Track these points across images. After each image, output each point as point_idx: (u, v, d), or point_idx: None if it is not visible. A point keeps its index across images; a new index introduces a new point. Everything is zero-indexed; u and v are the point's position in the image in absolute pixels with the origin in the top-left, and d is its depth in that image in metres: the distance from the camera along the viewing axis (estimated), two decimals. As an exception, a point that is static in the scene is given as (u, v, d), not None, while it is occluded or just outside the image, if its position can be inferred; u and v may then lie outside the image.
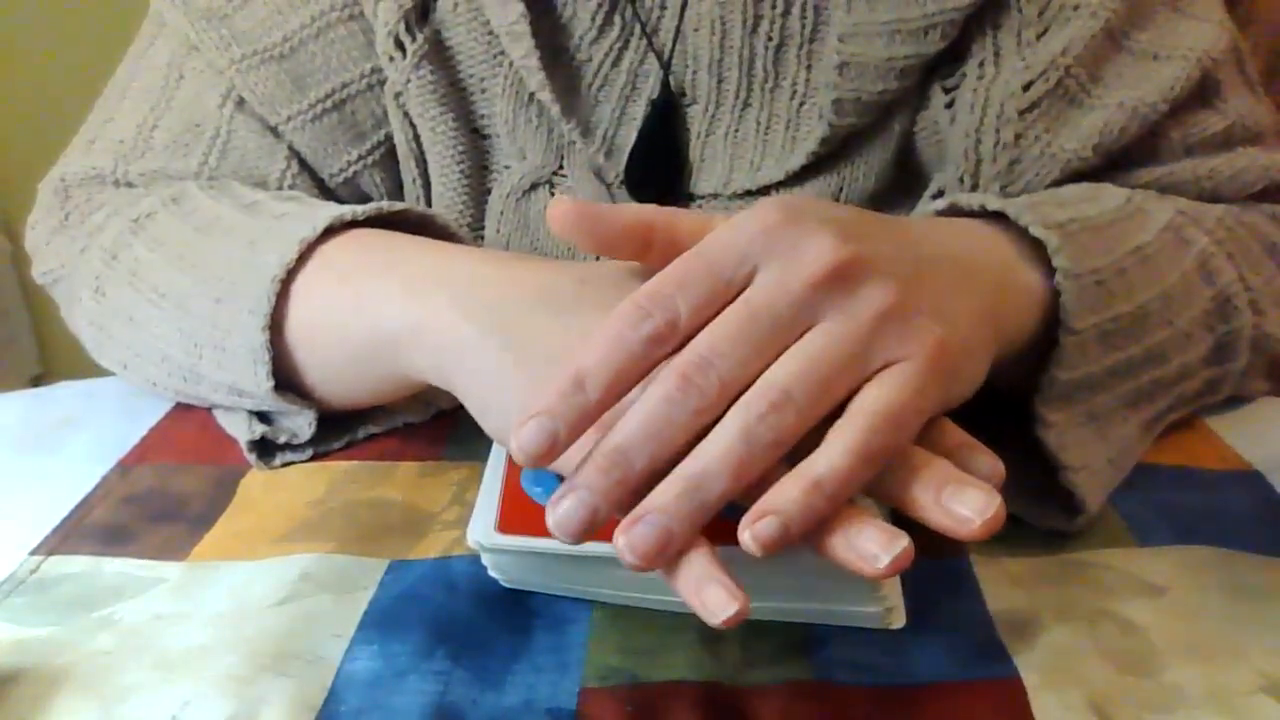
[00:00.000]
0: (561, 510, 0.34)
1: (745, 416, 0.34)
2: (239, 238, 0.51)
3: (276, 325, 0.48)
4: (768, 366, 0.35)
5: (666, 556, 0.34)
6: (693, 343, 0.35)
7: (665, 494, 0.34)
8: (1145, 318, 0.46)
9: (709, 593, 0.33)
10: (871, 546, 0.33)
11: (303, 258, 0.48)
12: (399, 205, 0.50)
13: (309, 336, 0.48)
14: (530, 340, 0.39)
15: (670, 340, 0.35)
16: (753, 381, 0.35)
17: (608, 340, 0.35)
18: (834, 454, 0.34)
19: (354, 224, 0.49)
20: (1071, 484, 0.43)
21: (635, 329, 0.35)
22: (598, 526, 0.35)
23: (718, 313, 0.36)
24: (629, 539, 0.34)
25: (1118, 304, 0.45)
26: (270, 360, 0.48)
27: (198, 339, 0.50)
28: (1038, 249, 0.44)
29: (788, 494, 0.33)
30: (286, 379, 0.50)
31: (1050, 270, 0.43)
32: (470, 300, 0.41)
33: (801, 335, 0.35)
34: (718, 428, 0.34)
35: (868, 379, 0.35)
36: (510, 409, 0.39)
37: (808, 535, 0.34)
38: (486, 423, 0.41)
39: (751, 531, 0.33)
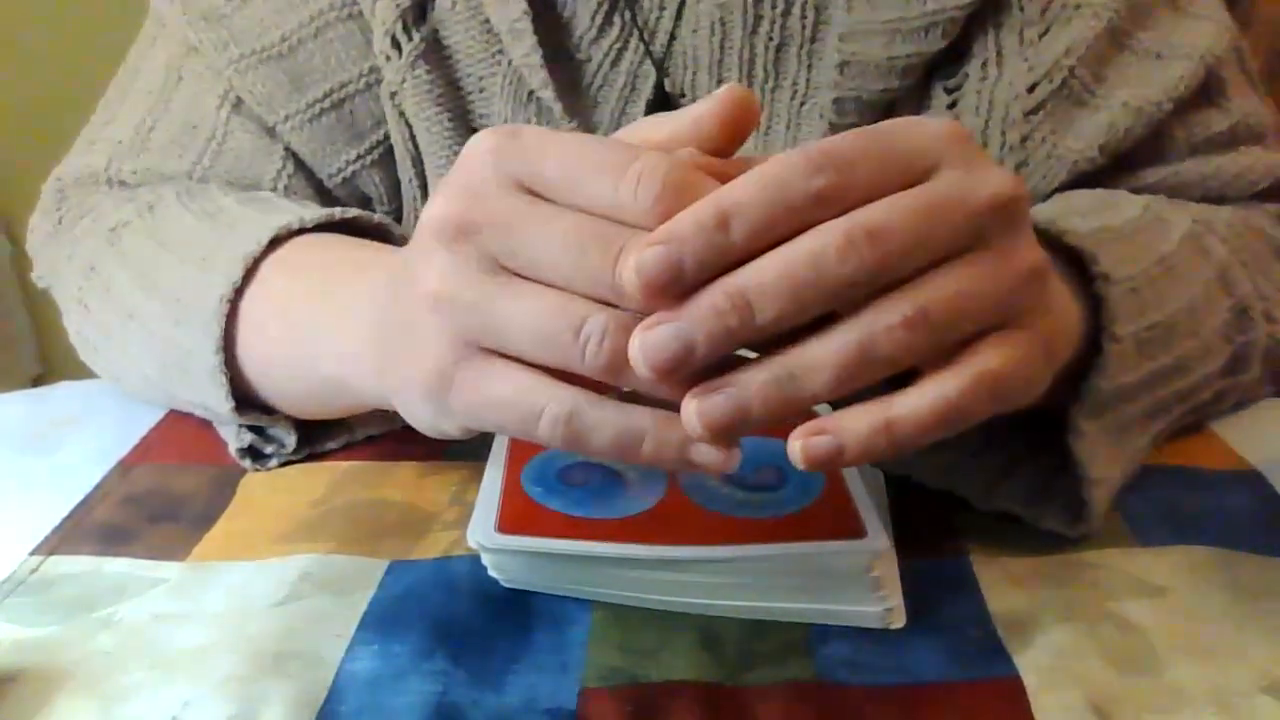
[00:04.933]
0: (652, 338, 0.30)
1: (872, 326, 0.31)
2: (194, 254, 0.51)
3: (230, 345, 0.48)
4: (921, 272, 0.31)
5: (732, 437, 0.32)
6: (867, 208, 0.31)
7: (754, 373, 0.31)
8: (1174, 328, 0.45)
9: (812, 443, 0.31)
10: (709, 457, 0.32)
11: (251, 273, 0.48)
12: (352, 211, 0.50)
13: (262, 366, 0.49)
14: (415, 340, 0.36)
15: (835, 205, 0.31)
16: (900, 280, 0.31)
17: (769, 181, 0.30)
18: (920, 401, 0.31)
19: (304, 230, 0.49)
20: (1090, 496, 0.42)
21: (805, 180, 0.30)
22: (687, 371, 0.31)
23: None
24: (701, 405, 0.31)
25: (1150, 313, 0.44)
26: (228, 382, 0.48)
27: (165, 361, 0.51)
28: (1067, 262, 0.43)
29: (855, 424, 0.31)
30: (251, 396, 0.50)
31: (1079, 284, 0.43)
32: (388, 322, 0.39)
33: (955, 257, 0.32)
34: (839, 328, 0.31)
35: (987, 332, 0.32)
36: (427, 415, 0.37)
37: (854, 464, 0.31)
38: (422, 426, 0.38)
39: (803, 443, 0.31)
